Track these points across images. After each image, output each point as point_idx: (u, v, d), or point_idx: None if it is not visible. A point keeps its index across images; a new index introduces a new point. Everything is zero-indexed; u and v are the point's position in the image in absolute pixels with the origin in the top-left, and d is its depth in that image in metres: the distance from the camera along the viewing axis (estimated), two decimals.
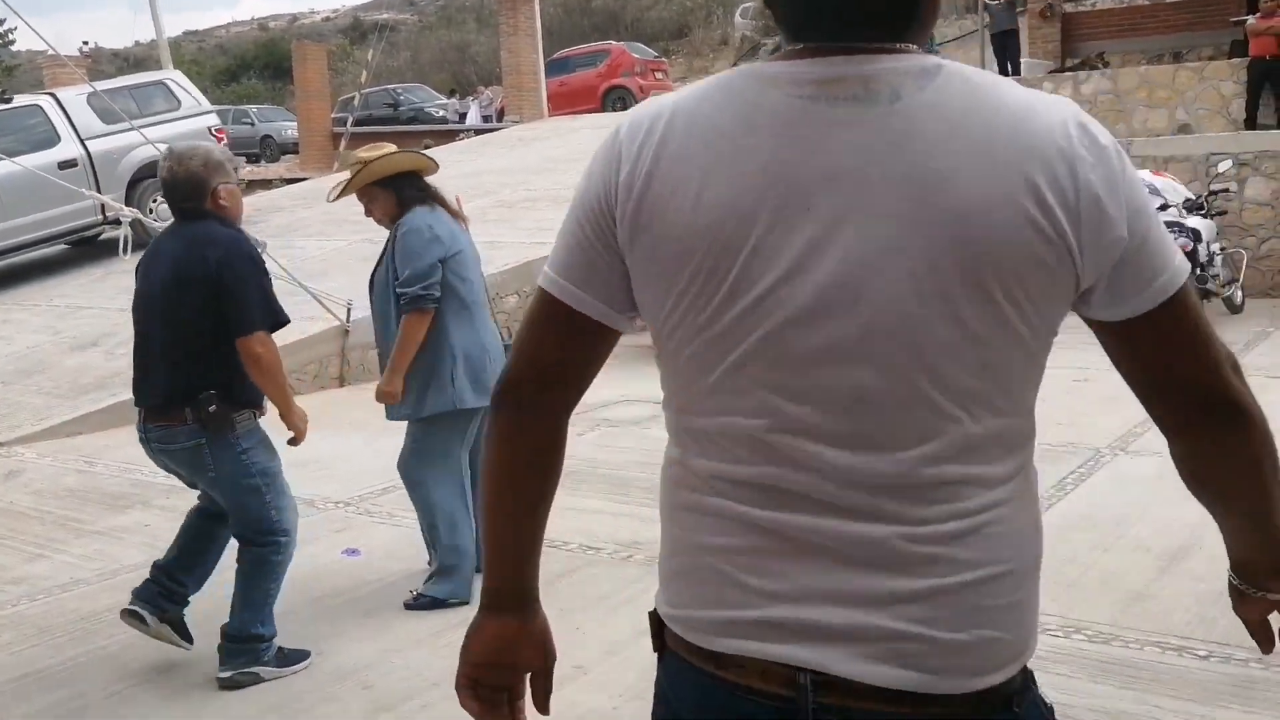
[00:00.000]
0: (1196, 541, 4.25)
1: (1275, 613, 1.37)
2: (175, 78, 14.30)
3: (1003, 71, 16.28)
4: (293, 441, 3.64)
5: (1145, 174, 10.45)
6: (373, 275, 4.22)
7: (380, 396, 4.07)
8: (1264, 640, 1.39)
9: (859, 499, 1.15)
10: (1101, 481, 5.13)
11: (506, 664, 1.36)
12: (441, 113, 25.40)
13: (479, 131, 21.37)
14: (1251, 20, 13.66)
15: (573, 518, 4.86)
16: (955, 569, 1.15)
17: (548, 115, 20.75)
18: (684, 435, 1.26)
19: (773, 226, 1.14)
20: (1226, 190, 10.48)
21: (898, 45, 1.16)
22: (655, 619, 1.31)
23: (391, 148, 4.26)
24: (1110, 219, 1.12)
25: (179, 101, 13.78)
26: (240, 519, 3.58)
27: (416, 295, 3.96)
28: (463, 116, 24.97)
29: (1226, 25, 15.46)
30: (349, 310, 8.60)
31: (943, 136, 1.12)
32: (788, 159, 1.14)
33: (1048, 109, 1.14)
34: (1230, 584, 1.37)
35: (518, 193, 13.43)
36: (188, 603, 3.71)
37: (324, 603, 4.21)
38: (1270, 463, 1.25)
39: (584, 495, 5.21)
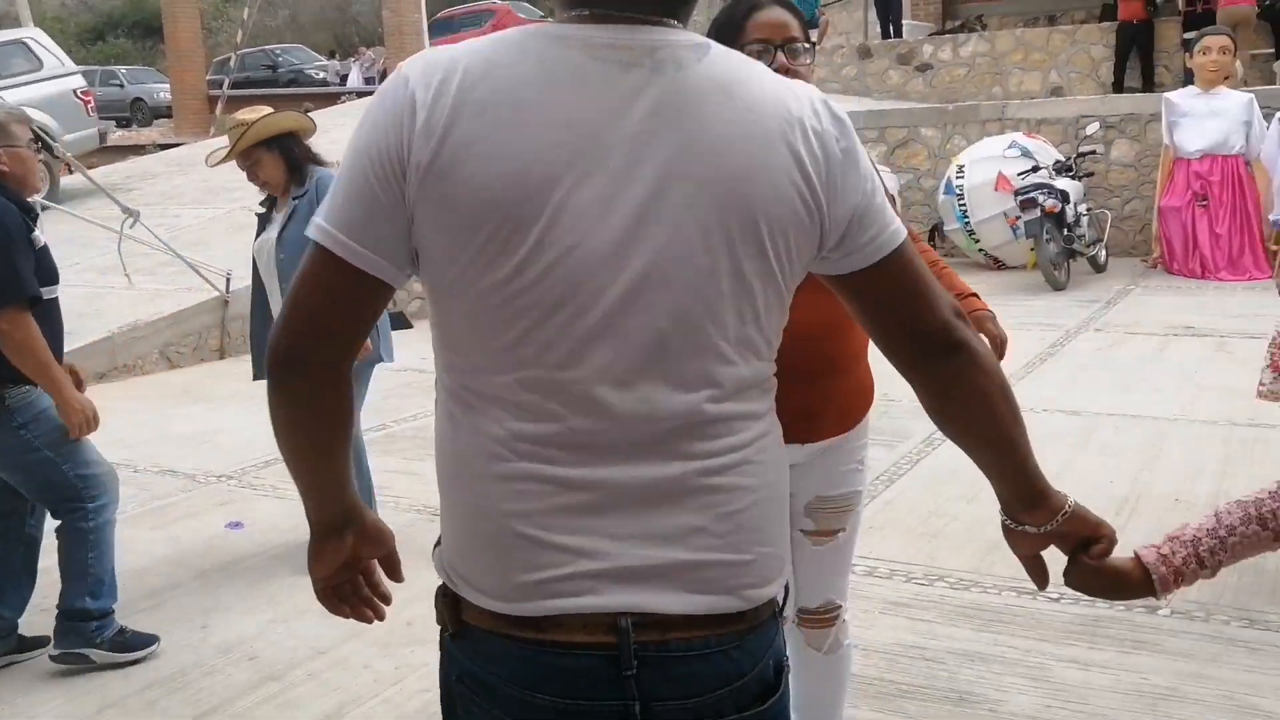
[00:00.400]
0: None
1: (1048, 548, 1.46)
2: (36, 36, 13.68)
3: (885, 33, 16.59)
4: (69, 434, 3.38)
5: (1019, 136, 10.82)
6: (280, 234, 4.11)
7: None
8: (1037, 576, 1.49)
9: (655, 441, 1.24)
10: None
11: (354, 566, 1.44)
12: (322, 75, 24.84)
13: (361, 94, 20.95)
14: None
15: None
16: (737, 496, 1.28)
17: None
18: (476, 399, 1.26)
19: (579, 182, 1.19)
20: (1094, 152, 10.88)
21: (670, 20, 1.27)
22: (449, 596, 1.31)
23: (268, 110, 4.23)
24: (851, 186, 1.30)
25: (41, 62, 13.21)
26: (39, 493, 3.45)
27: None
28: (344, 79, 24.41)
29: None
30: (228, 280, 8.42)
31: (721, 105, 1.24)
32: (590, 118, 1.20)
33: (795, 89, 1.31)
34: (1001, 523, 1.48)
35: None
36: (15, 627, 3.57)
37: (209, 577, 4.18)
38: (1000, 397, 1.38)
39: None
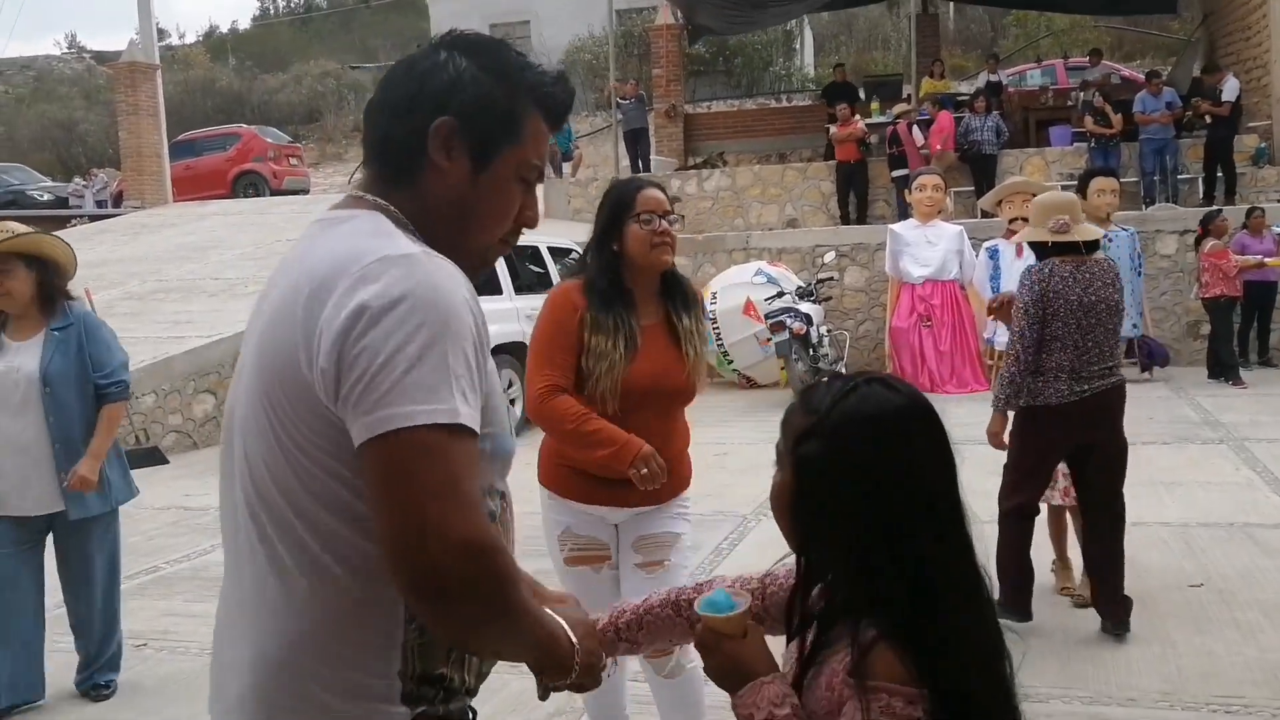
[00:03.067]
0: None
1: None
2: None
3: (634, 167, 17.44)
4: None
5: (763, 264, 11.62)
6: (47, 368, 3.89)
7: (83, 485, 3.87)
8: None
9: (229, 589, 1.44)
10: (751, 544, 5.67)
11: None
12: (47, 196, 23.37)
13: (95, 218, 19.92)
14: (833, 129, 15.56)
15: None
16: (245, 646, 1.38)
17: (173, 200, 19.75)
18: None
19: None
20: (831, 278, 11.83)
21: (368, 198, 1.42)
22: None
23: (21, 227, 4.06)
24: (324, 352, 1.26)
25: None
26: None
27: (128, 383, 4.11)
28: (64, 201, 23.03)
29: (821, 130, 17.51)
30: None
31: (296, 266, 1.36)
32: (278, 267, 1.44)
33: (353, 258, 1.30)
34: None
35: (148, 284, 12.69)
36: None
37: None
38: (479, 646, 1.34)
39: None
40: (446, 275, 1.30)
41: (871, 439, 1.35)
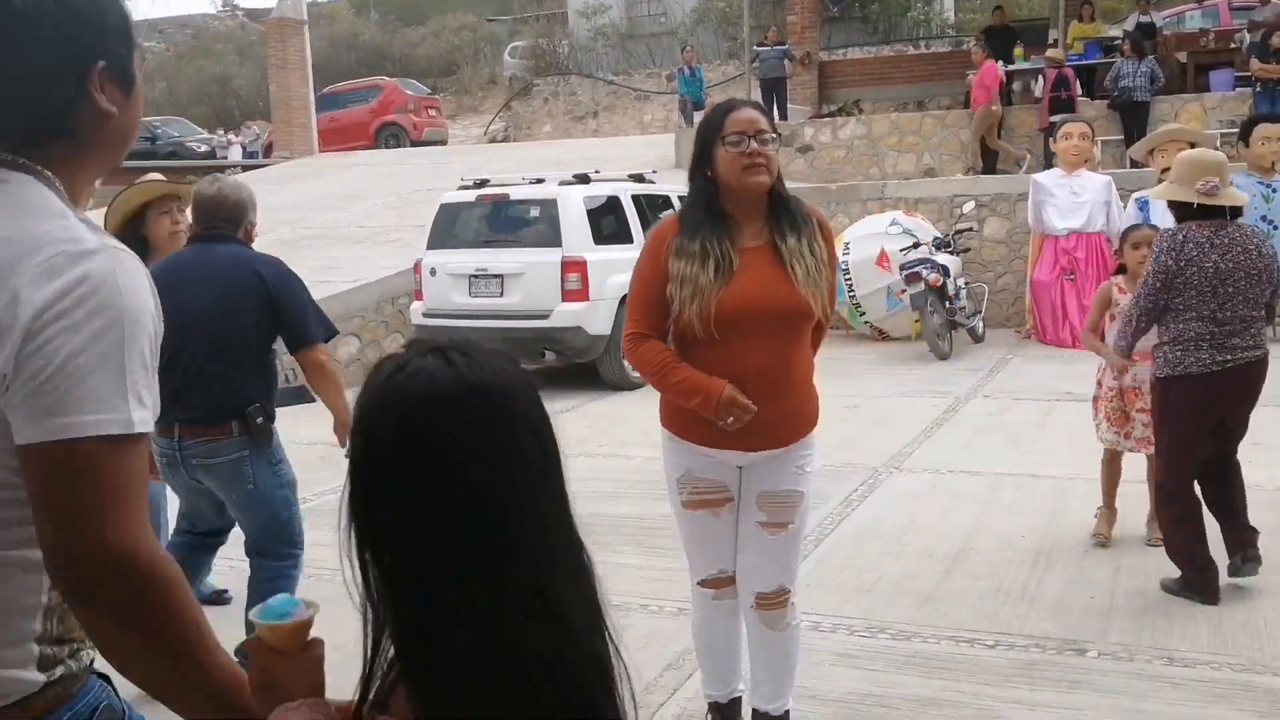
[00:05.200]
0: (971, 546, 4.77)
1: None
2: None
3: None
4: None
5: (899, 214, 11.37)
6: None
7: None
8: None
9: None
10: (882, 497, 5.60)
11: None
12: (205, 148, 24.38)
13: (246, 168, 20.70)
14: (970, 75, 15.07)
15: None
16: None
17: (319, 151, 20.37)
18: None
19: None
20: (970, 229, 11.51)
21: (8, 158, 1.31)
22: None
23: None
24: (7, 334, 1.21)
25: None
26: (267, 532, 3.67)
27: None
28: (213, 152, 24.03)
29: (961, 77, 16.96)
30: None
31: None
32: None
33: (34, 246, 1.24)
34: None
35: (296, 231, 13.14)
36: None
37: None
38: (134, 645, 1.25)
39: None
40: (127, 271, 1.27)
41: (397, 435, 1.05)
